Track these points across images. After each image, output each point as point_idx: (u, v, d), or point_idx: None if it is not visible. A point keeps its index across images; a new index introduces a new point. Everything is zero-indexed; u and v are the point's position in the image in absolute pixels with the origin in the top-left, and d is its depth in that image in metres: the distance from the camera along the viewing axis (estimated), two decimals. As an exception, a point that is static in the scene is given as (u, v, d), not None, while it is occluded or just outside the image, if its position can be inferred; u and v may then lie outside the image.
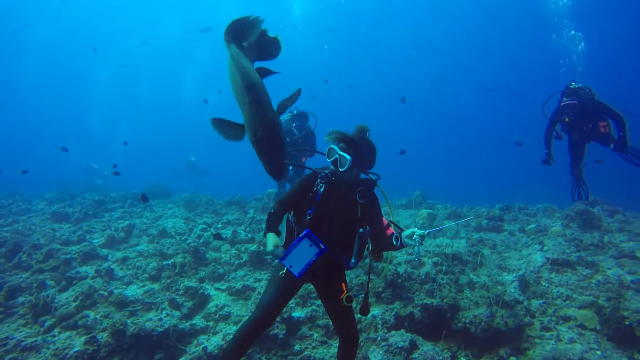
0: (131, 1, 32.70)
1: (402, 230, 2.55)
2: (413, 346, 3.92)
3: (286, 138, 6.04)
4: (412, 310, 4.42)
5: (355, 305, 3.91)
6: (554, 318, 4.59)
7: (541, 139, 6.55)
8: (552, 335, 4.32)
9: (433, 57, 33.60)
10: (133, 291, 5.10)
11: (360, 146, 2.50)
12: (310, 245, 2.46)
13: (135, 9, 33.30)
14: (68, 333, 4.48)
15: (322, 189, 2.57)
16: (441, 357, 3.79)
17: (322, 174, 2.54)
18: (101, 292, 5.01)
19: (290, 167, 6.33)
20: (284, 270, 2.64)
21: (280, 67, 2.87)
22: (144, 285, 5.24)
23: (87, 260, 5.87)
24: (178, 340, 4.43)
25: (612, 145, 5.92)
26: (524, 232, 6.97)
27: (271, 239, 2.58)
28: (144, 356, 4.25)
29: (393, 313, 4.42)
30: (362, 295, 2.81)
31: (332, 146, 2.52)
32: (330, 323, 4.46)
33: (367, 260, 2.78)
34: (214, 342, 4.38)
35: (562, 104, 5.99)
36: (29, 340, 4.33)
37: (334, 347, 4.18)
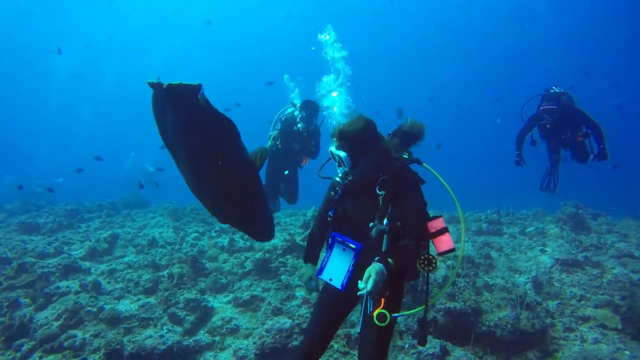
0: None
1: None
2: (444, 352, 3.71)
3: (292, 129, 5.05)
4: (435, 315, 4.22)
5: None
6: (573, 318, 4.53)
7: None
8: (576, 336, 4.24)
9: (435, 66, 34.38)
10: (126, 306, 4.57)
11: (351, 134, 2.14)
12: (344, 250, 2.16)
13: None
14: (52, 357, 3.91)
15: (339, 191, 2.30)
16: (476, 363, 3.60)
17: (335, 180, 2.28)
18: (89, 308, 4.45)
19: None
20: (323, 283, 2.36)
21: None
22: (138, 300, 4.72)
23: (68, 274, 5.26)
24: (182, 359, 3.97)
25: (591, 156, 5.65)
26: (524, 234, 7.02)
27: (307, 271, 2.46)
28: (143, 379, 3.77)
29: (415, 318, 4.20)
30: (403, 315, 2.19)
31: (330, 148, 2.22)
32: (352, 332, 4.17)
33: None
34: (223, 358, 3.98)
35: (542, 108, 5.67)
36: (6, 367, 3.73)
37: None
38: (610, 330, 4.28)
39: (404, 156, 2.27)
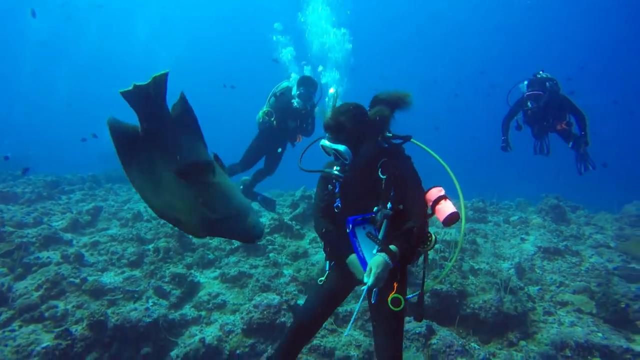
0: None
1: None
2: (430, 332, 3.79)
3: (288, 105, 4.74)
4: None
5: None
6: (552, 303, 4.70)
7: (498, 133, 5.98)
8: (554, 319, 4.40)
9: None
10: (110, 278, 4.48)
11: (345, 124, 2.04)
12: (364, 228, 2.10)
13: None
14: (32, 327, 3.80)
15: (338, 184, 2.22)
16: (460, 342, 3.69)
17: (334, 174, 2.14)
18: (71, 279, 4.33)
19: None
20: (324, 278, 2.29)
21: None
22: (123, 272, 4.62)
23: (48, 245, 5.09)
24: (167, 332, 3.93)
25: (571, 143, 5.57)
26: (508, 223, 7.18)
27: (358, 265, 2.02)
28: (128, 350, 3.71)
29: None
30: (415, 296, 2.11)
31: (321, 143, 2.11)
32: (339, 310, 4.20)
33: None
34: (210, 332, 3.95)
35: (527, 93, 5.47)
36: (-18, 336, 3.61)
37: (346, 337, 3.92)
38: (586, 314, 4.46)
39: (388, 134, 2.21)
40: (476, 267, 4.91)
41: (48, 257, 4.76)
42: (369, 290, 1.85)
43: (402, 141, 2.27)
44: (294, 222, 6.02)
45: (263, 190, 9.25)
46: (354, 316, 1.97)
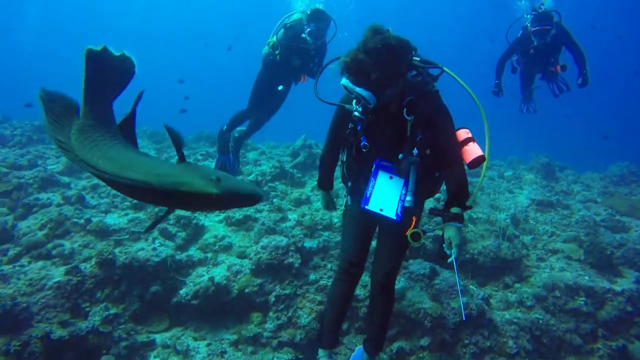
0: None
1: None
2: (433, 273, 3.96)
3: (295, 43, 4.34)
4: (424, 241, 4.43)
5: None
6: (544, 251, 4.94)
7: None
8: (546, 265, 4.65)
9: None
10: (115, 220, 4.46)
11: (368, 67, 1.73)
12: (391, 178, 2.06)
13: None
14: (41, 263, 3.81)
15: (360, 124, 2.06)
16: (462, 282, 3.88)
17: (355, 115, 1.99)
18: (75, 220, 4.30)
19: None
20: (345, 205, 2.42)
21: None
22: (127, 214, 4.60)
23: (46, 187, 4.98)
24: (175, 272, 4.00)
25: (580, 80, 5.06)
26: (502, 178, 7.36)
27: (322, 199, 2.83)
28: (137, 288, 3.79)
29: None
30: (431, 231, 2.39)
31: (343, 82, 1.85)
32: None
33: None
34: (217, 273, 4.04)
35: (533, 29, 4.95)
36: (-7, 269, 3.60)
37: (349, 276, 4.06)
38: (574, 260, 4.73)
39: (415, 58, 1.94)
40: (474, 217, 5.07)
41: (48, 199, 4.68)
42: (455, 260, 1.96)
43: (433, 74, 2.01)
44: (295, 170, 6.02)
45: (258, 142, 9.14)
46: (461, 298, 2.03)
